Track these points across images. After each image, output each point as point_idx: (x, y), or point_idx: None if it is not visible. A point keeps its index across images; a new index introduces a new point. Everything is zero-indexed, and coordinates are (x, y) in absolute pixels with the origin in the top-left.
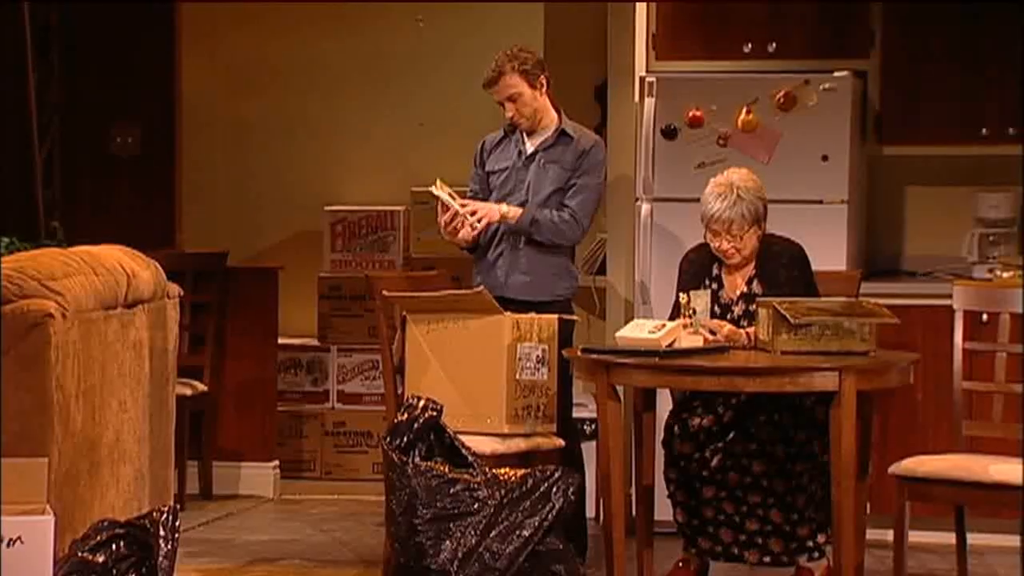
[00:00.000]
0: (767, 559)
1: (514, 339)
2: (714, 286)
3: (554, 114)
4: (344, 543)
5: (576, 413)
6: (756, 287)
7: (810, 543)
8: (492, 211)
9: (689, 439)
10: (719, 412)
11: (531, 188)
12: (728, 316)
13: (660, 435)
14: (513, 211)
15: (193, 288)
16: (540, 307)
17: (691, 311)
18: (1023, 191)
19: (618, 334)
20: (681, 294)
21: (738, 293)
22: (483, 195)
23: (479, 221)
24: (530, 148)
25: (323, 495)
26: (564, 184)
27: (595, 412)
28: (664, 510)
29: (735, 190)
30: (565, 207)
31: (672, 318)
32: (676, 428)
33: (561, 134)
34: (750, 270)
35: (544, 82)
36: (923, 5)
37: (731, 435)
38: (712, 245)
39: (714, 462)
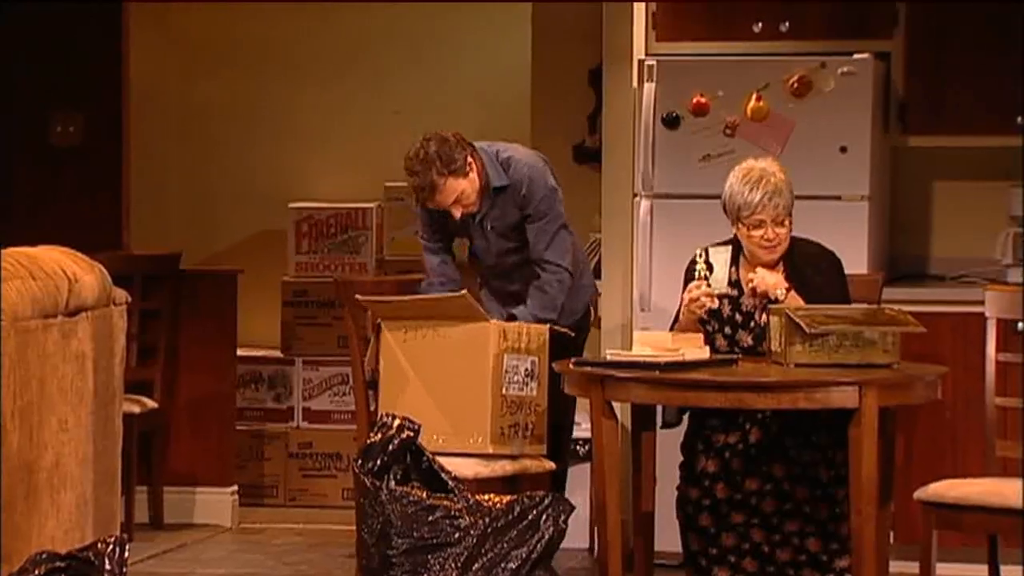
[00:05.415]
0: None
1: (501, 349)
2: (734, 292)
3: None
4: None
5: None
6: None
7: None
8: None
9: (715, 456)
10: (746, 428)
11: (491, 252)
12: (752, 324)
13: (659, 455)
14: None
15: (142, 294)
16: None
17: (706, 271)
18: None
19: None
20: (698, 249)
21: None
22: (444, 240)
23: None
24: (477, 217)
25: (287, 524)
26: (517, 222)
27: (589, 431)
28: (664, 540)
29: (774, 175)
30: (546, 264)
31: (672, 328)
32: (699, 444)
33: (496, 191)
34: (780, 274)
35: (473, 160)
36: None
37: (766, 455)
38: (753, 235)
39: (752, 485)
